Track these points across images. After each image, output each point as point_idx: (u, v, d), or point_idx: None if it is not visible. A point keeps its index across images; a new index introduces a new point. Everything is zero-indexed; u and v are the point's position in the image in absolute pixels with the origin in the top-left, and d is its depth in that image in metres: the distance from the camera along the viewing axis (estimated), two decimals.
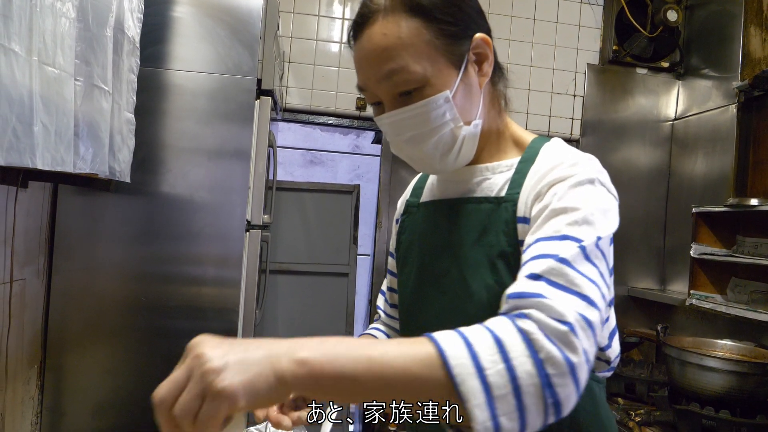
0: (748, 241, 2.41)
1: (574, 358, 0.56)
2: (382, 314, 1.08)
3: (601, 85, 3.07)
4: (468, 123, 0.82)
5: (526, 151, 0.86)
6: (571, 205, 0.70)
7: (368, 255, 3.53)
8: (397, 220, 1.05)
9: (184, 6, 1.92)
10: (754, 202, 2.21)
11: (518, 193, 0.81)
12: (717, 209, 2.38)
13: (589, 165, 0.77)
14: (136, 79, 1.65)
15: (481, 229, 0.83)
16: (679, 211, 2.88)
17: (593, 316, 0.60)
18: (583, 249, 0.65)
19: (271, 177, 2.26)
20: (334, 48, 2.93)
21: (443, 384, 0.54)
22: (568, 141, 3.04)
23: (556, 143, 0.86)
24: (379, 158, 3.07)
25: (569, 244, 0.66)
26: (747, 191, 2.52)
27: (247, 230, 1.99)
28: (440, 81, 0.79)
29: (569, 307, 0.59)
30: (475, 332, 0.58)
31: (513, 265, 0.78)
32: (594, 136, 3.05)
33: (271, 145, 2.14)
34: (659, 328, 2.26)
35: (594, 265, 0.65)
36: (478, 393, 0.52)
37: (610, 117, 3.07)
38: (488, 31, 0.85)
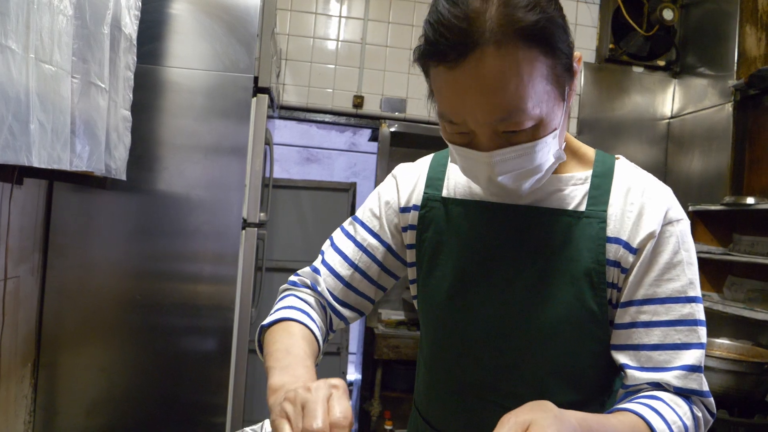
0: (744, 239, 2.42)
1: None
2: (326, 293, 0.91)
3: (597, 83, 3.07)
4: (561, 154, 0.77)
5: (596, 165, 0.84)
6: (689, 260, 0.79)
7: None
8: (405, 209, 0.92)
9: (182, 3, 1.91)
10: (750, 200, 2.22)
11: (605, 211, 0.79)
12: (713, 208, 2.39)
13: (677, 201, 0.82)
14: (132, 77, 1.64)
15: (560, 242, 0.80)
16: None
17: None
18: (705, 324, 0.80)
19: (267, 174, 2.26)
20: (331, 46, 2.92)
21: None
22: None
23: (628, 163, 0.86)
24: (375, 156, 3.06)
25: (698, 311, 0.79)
26: (743, 190, 2.53)
27: (244, 228, 1.98)
28: (551, 118, 0.71)
29: (711, 396, 0.79)
30: (671, 417, 0.74)
31: (595, 282, 0.78)
32: (590, 134, 3.05)
33: (268, 142, 2.13)
34: None
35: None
36: None
37: (606, 115, 3.08)
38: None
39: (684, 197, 2.82)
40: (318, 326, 0.86)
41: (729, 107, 2.60)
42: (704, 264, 2.48)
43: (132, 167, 1.72)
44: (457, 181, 0.90)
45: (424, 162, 0.95)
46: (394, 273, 0.96)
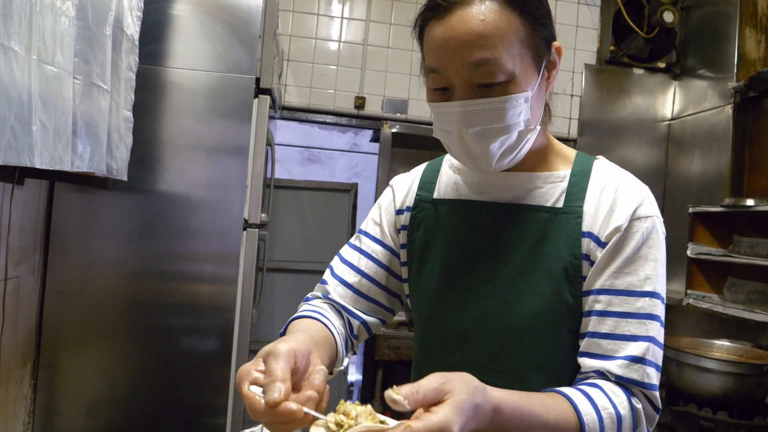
0: (744, 240, 2.42)
1: (651, 429, 0.80)
2: (339, 300, 0.94)
3: (598, 85, 3.07)
4: (534, 127, 0.81)
5: (576, 165, 0.87)
6: (651, 257, 0.80)
7: None
8: (400, 211, 0.97)
9: (184, 4, 1.91)
10: (750, 202, 2.22)
11: (581, 207, 0.83)
12: (713, 209, 2.39)
13: (654, 202, 0.84)
14: (134, 78, 1.64)
15: (538, 237, 0.83)
16: (676, 211, 2.90)
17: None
18: (660, 321, 0.80)
19: (269, 175, 2.26)
20: (333, 47, 2.92)
21: None
22: (565, 141, 3.07)
23: (607, 162, 0.89)
24: (377, 156, 3.06)
25: (652, 306, 0.79)
26: (743, 191, 2.53)
27: (245, 229, 1.98)
28: (524, 80, 0.77)
29: (657, 387, 0.79)
30: (603, 402, 0.75)
31: (572, 275, 0.81)
32: (591, 135, 3.05)
33: (269, 143, 2.14)
34: None
35: (663, 326, 0.81)
36: None
37: (607, 117, 3.08)
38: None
39: (684, 198, 2.82)
40: (331, 321, 0.89)
41: (729, 109, 2.60)
42: (704, 265, 2.48)
43: (133, 168, 1.72)
44: (447, 184, 0.95)
45: (419, 168, 1.01)
46: (401, 276, 0.99)
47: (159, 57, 1.89)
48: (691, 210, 2.52)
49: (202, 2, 1.92)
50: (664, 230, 0.84)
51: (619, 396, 0.76)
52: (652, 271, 0.79)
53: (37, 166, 1.02)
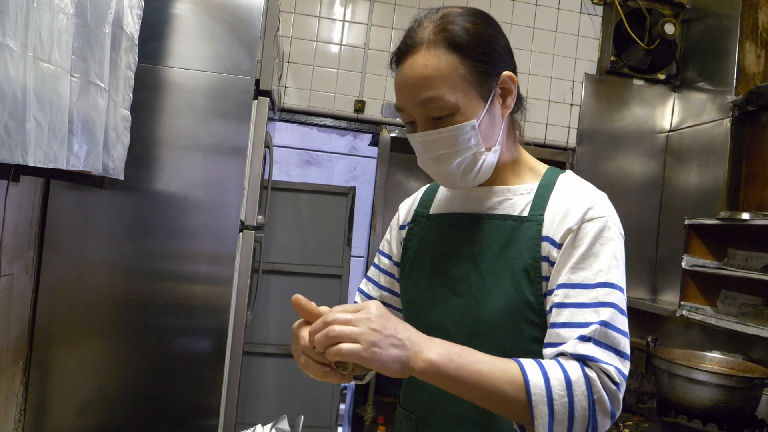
0: (739, 254, 2.43)
1: (616, 410, 0.80)
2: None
3: (598, 94, 3.08)
4: (489, 149, 0.94)
5: (543, 178, 0.99)
6: (603, 253, 0.87)
7: (362, 257, 3.52)
8: (402, 227, 1.12)
9: (185, 3, 1.91)
10: (745, 216, 2.22)
11: (542, 215, 0.93)
12: (709, 222, 2.40)
13: (609, 206, 0.92)
14: (133, 76, 1.64)
15: (504, 243, 0.94)
16: (672, 222, 2.90)
17: (627, 367, 0.83)
18: (617, 307, 0.84)
19: (266, 177, 2.26)
20: (334, 49, 2.93)
21: (522, 403, 0.77)
22: (564, 149, 3.07)
23: (572, 175, 0.99)
24: (375, 160, 3.07)
25: (606, 295, 0.84)
26: (739, 205, 2.53)
27: (241, 230, 1.98)
28: (469, 110, 0.90)
29: (613, 365, 0.80)
30: (552, 368, 0.79)
31: (532, 276, 0.91)
32: (589, 145, 3.06)
33: (268, 145, 2.14)
34: (649, 339, 2.27)
35: (624, 314, 0.85)
36: (544, 416, 0.76)
37: (606, 126, 3.09)
38: (514, 69, 0.98)
39: (680, 210, 2.83)
40: None
41: (727, 122, 2.61)
42: (698, 277, 2.48)
43: (130, 167, 1.72)
44: (441, 200, 1.08)
45: (422, 189, 1.15)
46: None
47: (158, 56, 1.89)
48: (686, 222, 2.52)
49: (203, 2, 1.92)
50: (621, 228, 0.92)
51: (571, 364, 0.80)
52: (605, 266, 0.86)
53: (30, 163, 1.02)
